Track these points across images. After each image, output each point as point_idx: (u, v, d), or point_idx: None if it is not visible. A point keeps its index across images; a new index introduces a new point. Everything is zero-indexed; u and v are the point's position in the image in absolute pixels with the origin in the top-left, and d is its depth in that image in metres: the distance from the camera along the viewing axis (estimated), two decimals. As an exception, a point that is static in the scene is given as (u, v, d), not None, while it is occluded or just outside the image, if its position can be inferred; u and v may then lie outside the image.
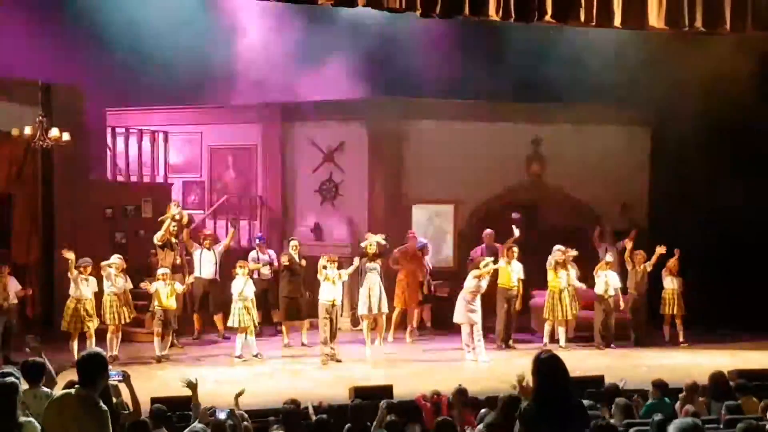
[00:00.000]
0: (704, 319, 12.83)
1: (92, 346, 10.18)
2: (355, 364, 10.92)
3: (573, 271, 12.05)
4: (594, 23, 10.42)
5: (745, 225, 13.18)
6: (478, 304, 11.23)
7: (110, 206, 13.29)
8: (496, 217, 13.98)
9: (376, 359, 11.25)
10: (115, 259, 11.03)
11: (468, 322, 11.18)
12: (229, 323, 11.17)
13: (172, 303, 10.93)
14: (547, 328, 12.09)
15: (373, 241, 11.67)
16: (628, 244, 12.52)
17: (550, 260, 11.97)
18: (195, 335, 12.32)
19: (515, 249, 11.94)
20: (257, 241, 12.70)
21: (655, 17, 10.50)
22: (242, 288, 11.02)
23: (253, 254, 12.30)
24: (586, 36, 12.17)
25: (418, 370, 10.56)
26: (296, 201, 14.34)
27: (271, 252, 12.59)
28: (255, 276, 11.69)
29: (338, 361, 10.88)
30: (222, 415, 6.43)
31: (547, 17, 10.20)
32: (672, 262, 12.24)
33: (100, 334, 10.72)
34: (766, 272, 13.20)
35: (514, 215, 14.31)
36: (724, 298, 13.03)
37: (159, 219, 11.88)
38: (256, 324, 11.32)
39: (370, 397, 8.22)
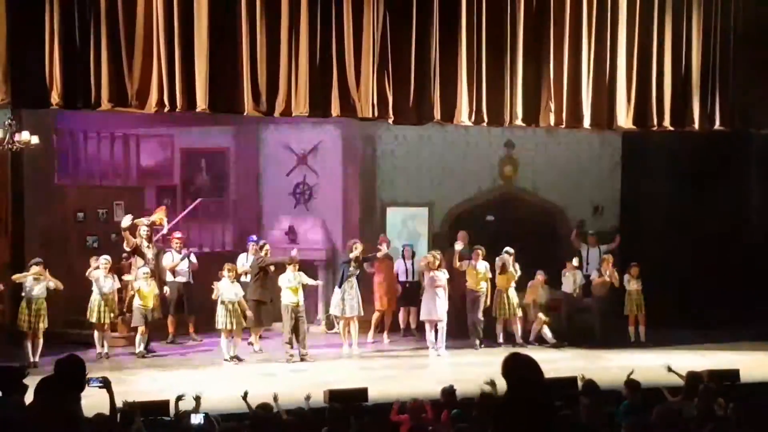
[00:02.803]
0: (673, 320, 13.00)
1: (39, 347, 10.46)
2: (330, 367, 10.91)
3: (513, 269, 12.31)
4: (564, 125, 10.98)
5: (715, 226, 13.37)
6: (443, 301, 11.59)
7: (81, 210, 13.15)
8: (470, 219, 14.06)
9: (351, 361, 11.28)
10: (103, 260, 11.11)
11: (434, 319, 11.59)
12: (217, 326, 11.12)
13: (150, 302, 11.10)
14: (498, 327, 12.33)
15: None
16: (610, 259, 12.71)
17: (498, 261, 12.18)
18: (169, 339, 12.26)
19: (481, 250, 12.07)
20: (250, 243, 12.42)
21: (624, 118, 11.08)
22: (227, 291, 10.99)
23: (242, 257, 12.20)
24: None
25: (394, 372, 10.57)
26: (270, 204, 14.29)
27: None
28: (244, 279, 11.71)
29: (305, 359, 11.04)
30: (196, 420, 6.40)
31: (518, 121, 10.71)
32: (633, 269, 12.48)
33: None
34: (735, 273, 13.41)
35: (488, 218, 14.43)
36: (694, 299, 13.22)
37: (134, 221, 11.77)
38: (241, 326, 11.31)
39: (345, 400, 8.22)
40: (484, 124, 10.72)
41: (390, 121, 10.37)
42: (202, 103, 9.49)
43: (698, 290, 13.30)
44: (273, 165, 14.28)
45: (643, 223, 13.91)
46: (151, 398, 7.57)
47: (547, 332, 12.36)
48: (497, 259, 12.26)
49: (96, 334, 11.16)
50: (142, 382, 9.76)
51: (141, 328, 11.10)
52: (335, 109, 9.98)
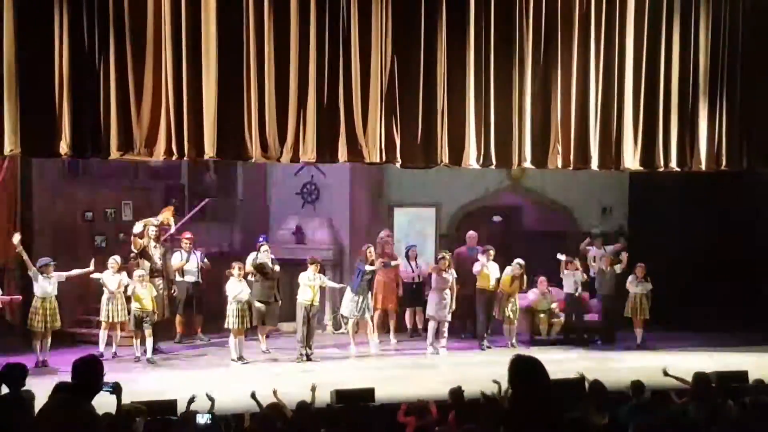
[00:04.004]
0: (680, 320, 12.96)
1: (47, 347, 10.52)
2: (337, 367, 10.92)
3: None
4: (571, 167, 11.05)
5: (724, 229, 13.31)
6: (448, 301, 11.67)
7: (90, 209, 13.20)
8: (478, 220, 14.04)
9: (358, 361, 11.30)
10: (112, 261, 11.18)
11: (440, 318, 11.66)
12: (225, 325, 11.13)
13: (148, 304, 10.99)
14: (505, 327, 12.37)
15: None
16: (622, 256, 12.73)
17: (508, 270, 12.21)
18: (177, 338, 12.29)
19: (491, 251, 12.12)
20: (261, 241, 12.41)
21: (631, 159, 11.19)
22: (238, 290, 11.02)
23: (252, 255, 12.23)
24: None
25: (401, 373, 10.58)
26: (277, 204, 14.31)
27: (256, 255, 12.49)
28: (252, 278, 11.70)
29: (310, 360, 11.11)
30: (203, 420, 6.41)
31: (526, 163, 10.84)
32: (639, 269, 12.37)
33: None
34: (746, 274, 13.35)
35: (495, 218, 14.43)
36: (702, 300, 13.17)
37: (143, 222, 11.86)
38: (249, 327, 11.35)
39: (351, 399, 8.24)
40: (492, 166, 10.85)
41: (398, 164, 10.47)
42: (210, 151, 9.61)
43: (707, 291, 13.23)
44: (280, 165, 14.25)
45: (652, 223, 13.86)
46: (158, 398, 7.61)
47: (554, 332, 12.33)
48: (508, 268, 12.24)
49: (101, 333, 11.13)
50: (149, 382, 9.79)
51: (137, 332, 10.92)
52: (342, 155, 10.10)
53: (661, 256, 13.11)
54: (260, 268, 11.64)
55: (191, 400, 6.83)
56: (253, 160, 10.12)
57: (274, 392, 7.11)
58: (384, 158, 10.21)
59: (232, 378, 10.20)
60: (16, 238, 10.67)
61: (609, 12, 10.98)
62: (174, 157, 9.70)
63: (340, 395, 8.36)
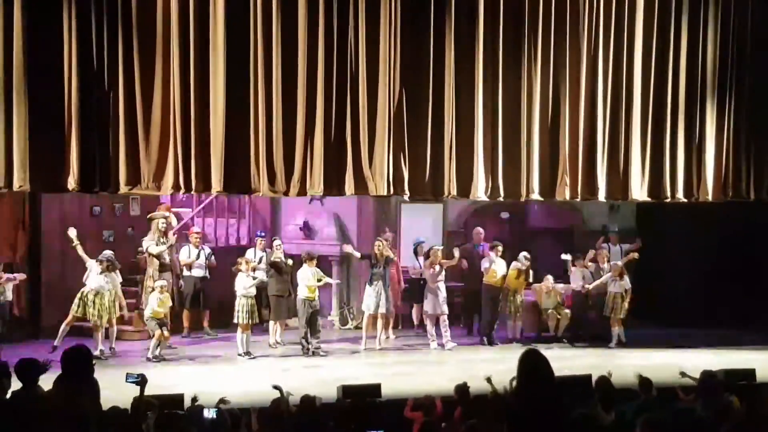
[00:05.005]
0: (688, 318, 12.92)
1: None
2: (343, 362, 10.94)
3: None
4: (579, 198, 11.17)
5: (728, 225, 13.26)
6: (443, 294, 11.75)
7: (98, 204, 13.23)
8: (485, 217, 14.02)
9: (365, 357, 11.31)
10: (102, 257, 11.03)
11: (439, 313, 11.72)
12: (234, 320, 11.15)
13: (160, 311, 10.92)
14: (509, 323, 12.36)
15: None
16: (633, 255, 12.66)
17: (514, 264, 12.17)
18: (184, 333, 12.32)
19: (500, 247, 12.12)
20: (258, 237, 12.47)
21: (638, 190, 11.31)
22: (247, 285, 11.06)
23: (250, 252, 12.23)
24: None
25: (407, 369, 10.58)
26: (285, 199, 14.28)
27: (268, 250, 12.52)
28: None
29: (317, 353, 11.11)
30: (209, 414, 6.42)
31: (534, 195, 10.96)
32: (615, 268, 12.17)
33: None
34: (755, 272, 13.29)
35: (503, 215, 14.39)
36: (712, 298, 13.12)
37: (148, 216, 11.91)
38: (258, 322, 11.39)
39: (358, 395, 8.25)
40: (500, 198, 10.94)
41: (406, 197, 10.55)
42: (217, 185, 9.72)
43: (716, 289, 13.18)
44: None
45: (660, 221, 13.80)
46: (166, 392, 7.64)
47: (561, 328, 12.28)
48: (514, 263, 12.22)
49: (95, 334, 10.89)
50: (156, 376, 9.75)
51: (157, 332, 10.83)
52: (350, 188, 10.21)
53: (670, 253, 13.06)
54: (275, 264, 11.68)
55: (194, 400, 6.85)
56: (260, 194, 10.23)
57: (276, 387, 7.16)
58: (392, 191, 10.34)
59: (239, 373, 10.22)
60: (73, 232, 10.84)
61: (617, 46, 11.12)
62: (181, 192, 9.85)
63: (347, 391, 8.37)
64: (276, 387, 7.20)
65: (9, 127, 9.03)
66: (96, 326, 10.75)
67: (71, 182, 9.26)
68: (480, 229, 13.03)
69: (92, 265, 10.79)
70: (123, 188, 9.48)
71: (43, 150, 9.16)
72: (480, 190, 10.63)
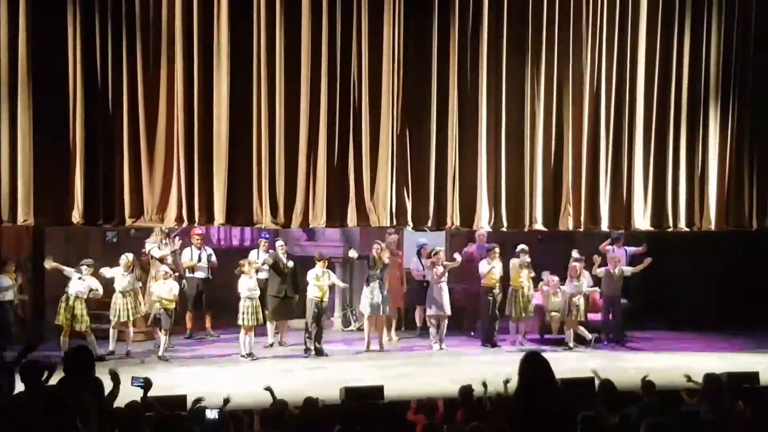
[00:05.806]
0: (690, 321, 12.88)
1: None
2: (346, 364, 10.92)
3: (525, 272, 12.09)
4: (582, 228, 11.25)
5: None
6: (446, 294, 11.77)
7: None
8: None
9: (368, 359, 11.29)
10: (123, 258, 11.13)
11: (443, 315, 11.76)
12: (239, 321, 11.13)
13: (171, 299, 10.96)
14: (512, 325, 12.31)
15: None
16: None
17: (514, 262, 12.12)
18: (187, 334, 12.32)
19: (496, 249, 12.07)
20: (261, 239, 12.41)
21: (641, 220, 11.41)
22: (251, 287, 11.06)
23: (253, 253, 12.22)
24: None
25: (410, 370, 10.54)
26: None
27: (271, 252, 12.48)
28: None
29: (320, 355, 11.12)
30: (211, 415, 6.42)
31: (537, 225, 11.08)
32: (572, 268, 12.02)
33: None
34: (760, 275, 13.24)
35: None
36: (716, 300, 13.08)
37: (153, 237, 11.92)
38: (262, 323, 11.39)
39: (361, 397, 8.24)
40: (503, 228, 11.01)
41: (409, 228, 10.63)
42: (220, 217, 9.84)
43: (720, 292, 13.14)
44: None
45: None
46: (168, 393, 7.63)
47: (583, 330, 12.19)
48: (513, 260, 12.18)
49: (111, 331, 11.06)
50: (159, 377, 9.74)
51: (155, 328, 10.92)
52: (352, 220, 10.30)
53: (675, 256, 13.00)
54: (274, 265, 11.68)
55: (197, 401, 6.84)
56: (263, 226, 10.28)
57: (267, 388, 7.19)
58: (395, 222, 10.42)
59: (241, 374, 10.21)
60: (49, 264, 10.78)
61: (620, 72, 11.19)
62: (184, 224, 9.97)
63: (350, 393, 8.35)
64: (267, 389, 7.20)
65: (14, 161, 9.19)
66: (116, 326, 10.88)
67: (75, 216, 9.38)
68: (483, 231, 12.97)
69: (116, 272, 10.86)
70: (127, 221, 9.63)
71: (47, 184, 9.34)
72: (483, 221, 10.77)
